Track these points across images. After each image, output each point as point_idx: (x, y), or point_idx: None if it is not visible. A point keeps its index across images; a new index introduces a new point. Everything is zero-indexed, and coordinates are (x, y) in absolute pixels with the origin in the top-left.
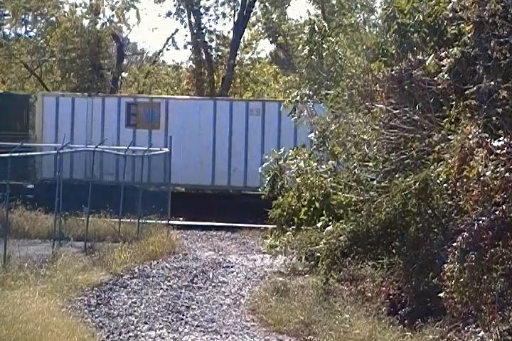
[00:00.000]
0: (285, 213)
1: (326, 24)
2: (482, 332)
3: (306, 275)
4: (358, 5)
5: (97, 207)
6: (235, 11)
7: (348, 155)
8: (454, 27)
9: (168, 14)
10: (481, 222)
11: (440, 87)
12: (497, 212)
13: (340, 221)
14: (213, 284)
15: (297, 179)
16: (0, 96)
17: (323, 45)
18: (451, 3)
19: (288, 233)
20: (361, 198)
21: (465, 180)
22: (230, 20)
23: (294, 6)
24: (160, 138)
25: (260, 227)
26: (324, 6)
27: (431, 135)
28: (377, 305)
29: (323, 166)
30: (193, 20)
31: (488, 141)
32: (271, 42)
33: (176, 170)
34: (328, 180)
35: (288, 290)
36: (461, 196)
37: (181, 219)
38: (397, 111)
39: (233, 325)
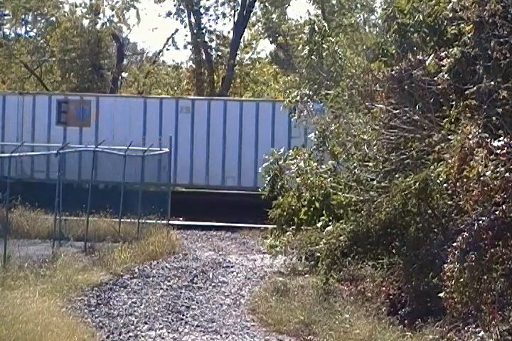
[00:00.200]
0: (285, 213)
1: (326, 24)
2: (482, 332)
3: (306, 275)
4: (358, 5)
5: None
6: (235, 11)
7: (348, 155)
8: (454, 27)
9: (168, 14)
10: (481, 222)
11: (440, 87)
12: (497, 212)
13: (340, 221)
14: (213, 284)
15: (297, 179)
16: None
17: (323, 45)
18: (451, 3)
19: (288, 233)
20: (361, 198)
21: (465, 180)
22: (230, 20)
23: (294, 6)
24: (90, 136)
25: (260, 227)
26: (324, 6)
27: (431, 135)
28: (377, 305)
29: (323, 166)
30: (193, 20)
31: (488, 141)
32: (271, 42)
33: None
34: (328, 180)
35: (288, 290)
36: (461, 196)
37: (181, 219)
38: (397, 111)
39: (233, 325)
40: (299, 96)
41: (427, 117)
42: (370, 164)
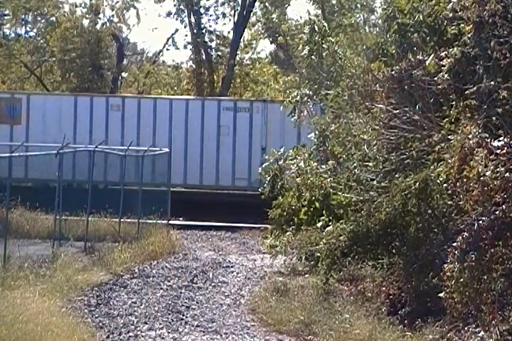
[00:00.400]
0: (285, 213)
1: (326, 24)
2: (482, 332)
3: (306, 275)
4: (358, 5)
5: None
6: (235, 11)
7: (348, 155)
8: (454, 27)
9: (168, 14)
10: (481, 222)
11: (440, 87)
12: (497, 212)
13: (340, 221)
14: (213, 284)
15: (297, 179)
16: None
17: (323, 45)
18: (451, 3)
19: (288, 233)
20: (361, 198)
21: (465, 180)
22: (230, 20)
23: (294, 6)
24: (21, 134)
25: (260, 227)
26: (324, 6)
27: (431, 135)
28: (377, 305)
29: (323, 166)
30: (193, 20)
31: (488, 141)
32: (271, 42)
33: (33, 166)
34: (328, 180)
35: (288, 290)
36: (461, 196)
37: (181, 219)
38: (397, 111)
39: (233, 325)
40: (299, 96)
41: (427, 117)
42: (370, 164)
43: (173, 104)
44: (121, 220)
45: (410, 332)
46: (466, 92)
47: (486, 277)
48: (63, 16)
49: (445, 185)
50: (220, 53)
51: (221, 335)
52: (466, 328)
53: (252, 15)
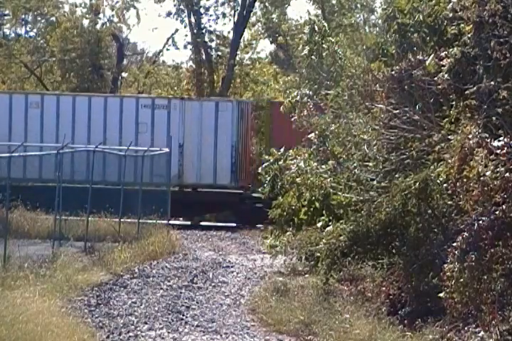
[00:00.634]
0: (285, 213)
1: (326, 24)
2: (482, 332)
3: (306, 275)
4: (358, 5)
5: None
6: (235, 11)
7: (348, 155)
8: (454, 27)
9: (168, 14)
10: (481, 222)
11: (440, 87)
12: (497, 212)
13: (340, 221)
14: (213, 284)
15: (297, 179)
16: None
17: (323, 45)
18: (451, 3)
19: (288, 233)
20: (361, 198)
21: (465, 180)
22: (230, 20)
23: (294, 6)
24: None
25: (260, 227)
26: (324, 6)
27: (431, 135)
28: (377, 305)
29: (323, 166)
30: (193, 20)
31: (488, 141)
32: (271, 42)
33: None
34: (328, 180)
35: (288, 290)
36: (461, 196)
37: (181, 219)
38: (397, 111)
39: (233, 325)
40: (299, 96)
41: (427, 117)
42: (370, 164)
43: (91, 102)
44: (121, 220)
45: (410, 332)
46: (466, 92)
47: (486, 277)
48: (63, 16)
49: (445, 185)
50: (220, 53)
51: (221, 335)
52: (466, 328)
53: (252, 15)
